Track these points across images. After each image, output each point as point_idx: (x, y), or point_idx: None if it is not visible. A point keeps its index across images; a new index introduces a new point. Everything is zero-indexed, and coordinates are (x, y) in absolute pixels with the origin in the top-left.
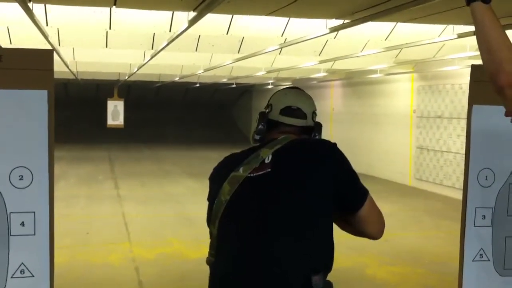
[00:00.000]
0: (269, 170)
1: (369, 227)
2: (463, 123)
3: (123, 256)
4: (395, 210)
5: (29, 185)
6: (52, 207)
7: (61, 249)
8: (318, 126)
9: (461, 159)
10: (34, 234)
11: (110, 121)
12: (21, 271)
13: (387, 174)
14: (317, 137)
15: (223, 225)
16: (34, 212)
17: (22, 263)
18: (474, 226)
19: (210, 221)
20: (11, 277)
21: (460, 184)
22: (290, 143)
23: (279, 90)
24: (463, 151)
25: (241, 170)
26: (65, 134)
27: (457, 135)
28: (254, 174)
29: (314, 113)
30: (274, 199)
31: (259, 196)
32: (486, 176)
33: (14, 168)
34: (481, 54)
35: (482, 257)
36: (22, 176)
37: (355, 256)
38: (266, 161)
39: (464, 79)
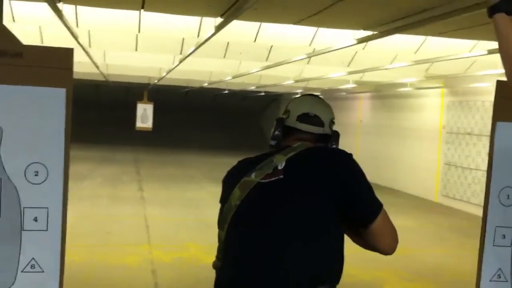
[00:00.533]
0: (281, 176)
1: (381, 242)
2: None
3: (141, 258)
4: (419, 225)
5: (44, 181)
6: (66, 203)
7: (81, 247)
8: (335, 135)
9: None
10: (47, 230)
11: (139, 124)
12: (31, 266)
13: (413, 189)
14: (334, 146)
15: (231, 230)
16: (47, 208)
17: (33, 258)
18: (493, 245)
19: (219, 224)
20: (22, 272)
21: None
22: (305, 151)
23: (297, 97)
24: None
25: (253, 175)
26: (95, 134)
27: (486, 153)
28: (266, 180)
29: (332, 122)
30: (285, 206)
31: (270, 202)
32: (508, 195)
33: (30, 164)
34: (504, 66)
35: (500, 277)
36: (37, 172)
37: (373, 270)
38: (279, 167)
39: None
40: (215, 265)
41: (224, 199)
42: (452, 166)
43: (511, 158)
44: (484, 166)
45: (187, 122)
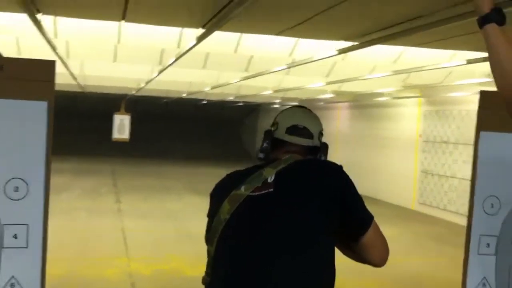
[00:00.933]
0: (271, 190)
1: (372, 255)
2: (470, 149)
3: (119, 271)
4: (398, 234)
5: (24, 197)
6: (47, 220)
7: (58, 261)
8: (324, 147)
9: (466, 185)
10: (27, 247)
11: (116, 135)
12: (11, 285)
13: (391, 197)
14: (322, 158)
15: (220, 244)
16: (27, 224)
17: (13, 276)
18: (478, 254)
19: (208, 239)
20: None
21: (464, 210)
22: (295, 164)
23: (286, 109)
24: (469, 177)
25: (242, 188)
26: (73, 146)
27: (462, 161)
28: (255, 194)
29: (320, 133)
30: (274, 219)
31: (259, 216)
32: (492, 204)
33: (10, 179)
34: (495, 78)
35: (485, 286)
36: (17, 188)
37: (355, 279)
38: (269, 180)
39: (472, 106)
40: (204, 281)
41: (212, 213)
42: (429, 174)
43: (495, 167)
44: (460, 174)
45: (166, 133)
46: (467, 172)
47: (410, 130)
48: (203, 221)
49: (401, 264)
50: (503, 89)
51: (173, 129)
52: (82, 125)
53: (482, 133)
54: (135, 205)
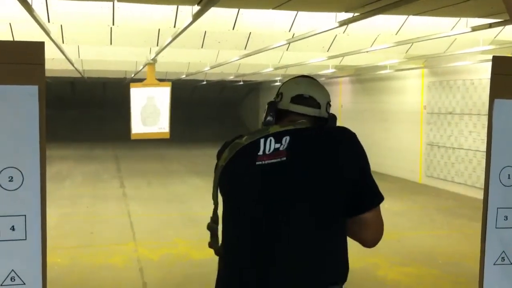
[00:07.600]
0: (284, 158)
1: (368, 233)
2: (475, 119)
3: (127, 257)
4: (406, 208)
5: (19, 186)
6: (44, 209)
7: (64, 249)
8: (333, 118)
9: (473, 156)
10: (25, 239)
11: (137, 129)
12: (11, 279)
13: (397, 171)
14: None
15: (231, 220)
16: (25, 215)
17: (13, 269)
18: (496, 227)
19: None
20: (1, 285)
21: (472, 181)
22: (307, 131)
23: (290, 79)
24: (475, 148)
25: (243, 139)
26: (72, 132)
27: (468, 132)
28: (265, 162)
29: (328, 104)
30: (290, 193)
31: (271, 187)
32: (509, 175)
33: (4, 169)
34: None
35: (504, 260)
36: (12, 177)
37: (365, 256)
38: (281, 148)
39: (476, 75)
40: (209, 227)
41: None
42: (435, 146)
43: (511, 136)
44: (467, 144)
45: None
46: (474, 143)
47: (414, 103)
48: (207, 203)
49: (412, 239)
50: None
51: (173, 111)
52: (81, 112)
53: (497, 101)
54: (139, 190)
